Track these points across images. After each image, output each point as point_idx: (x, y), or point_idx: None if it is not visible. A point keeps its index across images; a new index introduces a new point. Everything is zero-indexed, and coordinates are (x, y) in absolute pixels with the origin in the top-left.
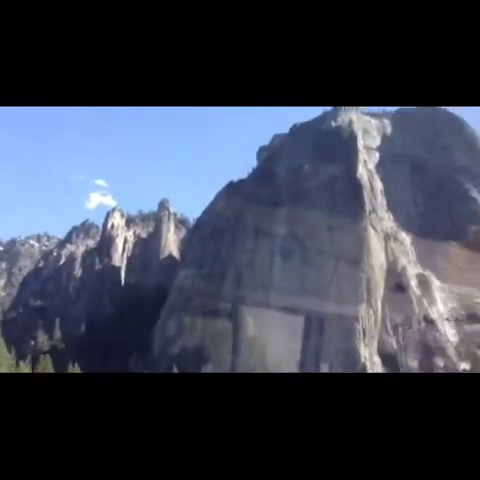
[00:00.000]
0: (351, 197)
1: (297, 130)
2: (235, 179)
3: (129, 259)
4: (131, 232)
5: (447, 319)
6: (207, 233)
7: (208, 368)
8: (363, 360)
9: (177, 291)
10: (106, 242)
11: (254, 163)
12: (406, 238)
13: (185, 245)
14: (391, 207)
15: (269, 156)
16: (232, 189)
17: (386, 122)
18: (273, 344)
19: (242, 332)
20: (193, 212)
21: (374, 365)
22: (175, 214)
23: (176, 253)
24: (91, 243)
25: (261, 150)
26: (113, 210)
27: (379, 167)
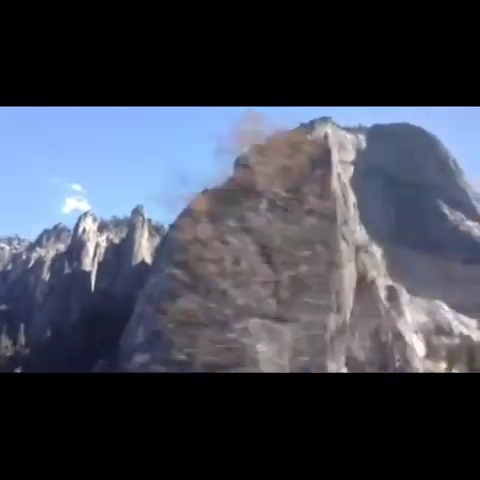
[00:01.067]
0: (324, 208)
1: (272, 141)
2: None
3: (100, 264)
4: (104, 237)
5: (415, 332)
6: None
7: None
8: (330, 371)
9: (146, 298)
10: (76, 246)
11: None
12: (377, 251)
13: (157, 252)
14: (363, 220)
15: (243, 165)
16: (206, 196)
17: (361, 137)
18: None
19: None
20: (170, 219)
21: None
22: (150, 221)
23: (149, 260)
24: (62, 247)
25: (238, 159)
26: (85, 214)
27: (353, 180)
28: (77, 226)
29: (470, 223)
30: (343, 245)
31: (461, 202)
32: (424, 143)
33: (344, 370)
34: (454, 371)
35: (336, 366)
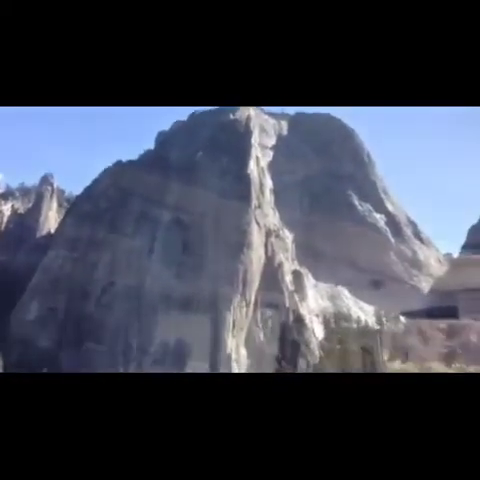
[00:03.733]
0: (239, 191)
1: (195, 118)
2: (125, 159)
3: (1, 234)
4: (8, 206)
5: (316, 316)
6: (85, 213)
7: (66, 356)
8: (229, 351)
9: (43, 272)
10: None
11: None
12: (288, 236)
13: (59, 224)
14: (278, 205)
15: (164, 141)
16: (120, 168)
17: (283, 123)
18: (140, 330)
19: (109, 318)
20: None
21: (240, 356)
22: (62, 191)
23: None
24: None
25: (160, 134)
26: None
27: (271, 165)
28: None
29: (377, 215)
30: (255, 228)
31: (370, 194)
32: (342, 135)
33: (243, 348)
34: (347, 352)
35: (236, 342)
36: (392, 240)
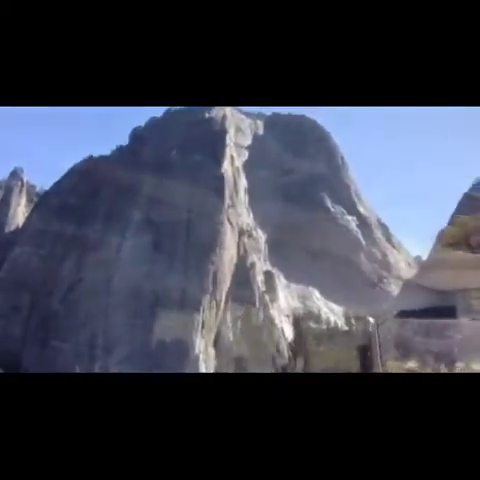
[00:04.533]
0: (212, 190)
1: (171, 114)
2: (96, 154)
3: None
4: None
5: (287, 316)
6: (53, 208)
7: (30, 355)
8: (197, 351)
9: (7, 269)
10: None
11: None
12: (262, 236)
13: (26, 219)
14: (252, 205)
15: (138, 137)
16: (91, 164)
17: (259, 123)
18: (106, 329)
19: (76, 316)
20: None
21: (208, 357)
22: (33, 186)
23: None
24: None
25: (134, 131)
26: None
27: (247, 165)
28: None
29: (349, 217)
30: (227, 227)
31: (343, 196)
32: (317, 136)
33: (212, 348)
34: (318, 351)
35: (204, 343)
36: (363, 242)
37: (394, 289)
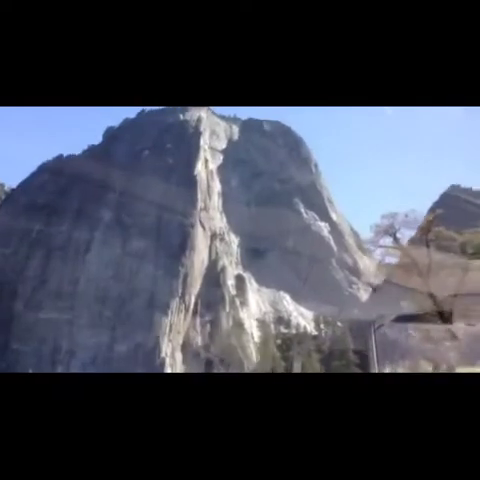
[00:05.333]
0: (184, 192)
1: (145, 115)
2: (67, 152)
3: None
4: None
5: (256, 320)
6: (20, 207)
7: None
8: (163, 355)
9: None
10: None
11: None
12: (234, 240)
13: None
14: (225, 209)
15: (111, 137)
16: (60, 163)
17: (235, 128)
18: (70, 332)
19: (39, 319)
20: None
21: (175, 361)
22: (1, 184)
23: None
24: None
25: (107, 130)
26: None
27: (221, 169)
28: None
29: (321, 223)
30: (199, 231)
31: (316, 203)
32: (290, 142)
33: (179, 352)
34: (287, 356)
35: (171, 347)
36: (334, 248)
37: (363, 295)
